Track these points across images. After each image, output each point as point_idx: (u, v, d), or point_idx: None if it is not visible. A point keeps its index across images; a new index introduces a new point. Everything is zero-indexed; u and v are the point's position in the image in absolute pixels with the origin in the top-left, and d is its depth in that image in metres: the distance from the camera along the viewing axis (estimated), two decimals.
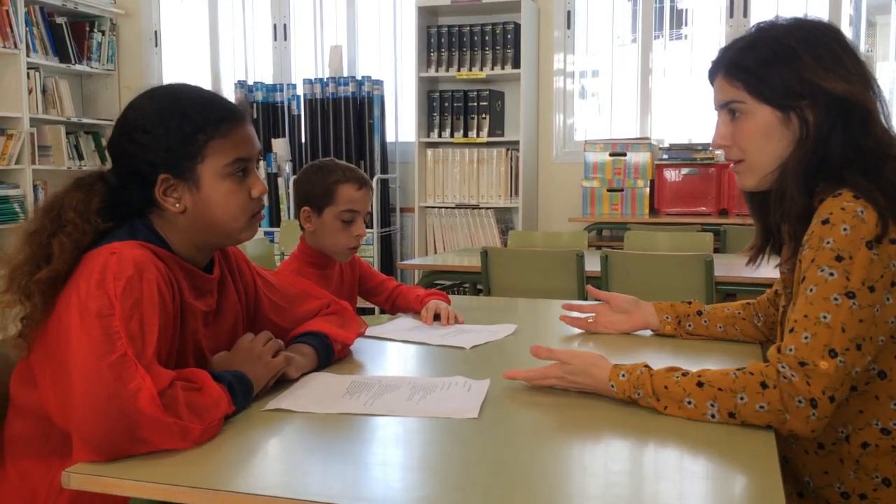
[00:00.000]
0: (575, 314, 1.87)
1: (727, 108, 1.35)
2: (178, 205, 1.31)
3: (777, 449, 1.12)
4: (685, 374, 1.24)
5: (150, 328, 1.17)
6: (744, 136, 1.34)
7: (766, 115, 1.31)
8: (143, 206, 1.33)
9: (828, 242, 1.20)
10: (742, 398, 1.17)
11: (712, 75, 1.38)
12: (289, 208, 5.16)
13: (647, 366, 1.28)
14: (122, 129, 1.32)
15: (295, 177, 2.27)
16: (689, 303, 1.79)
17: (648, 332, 1.82)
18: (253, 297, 1.54)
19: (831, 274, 1.19)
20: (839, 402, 1.17)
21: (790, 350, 1.18)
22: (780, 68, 1.29)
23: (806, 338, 1.18)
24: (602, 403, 1.29)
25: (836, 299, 1.18)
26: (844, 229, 1.20)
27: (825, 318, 1.18)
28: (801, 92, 1.27)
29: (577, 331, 1.87)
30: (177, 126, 1.29)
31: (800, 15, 1.36)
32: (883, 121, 1.29)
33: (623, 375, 1.27)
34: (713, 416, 1.19)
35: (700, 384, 1.21)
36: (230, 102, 1.37)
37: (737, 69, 1.33)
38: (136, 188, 1.31)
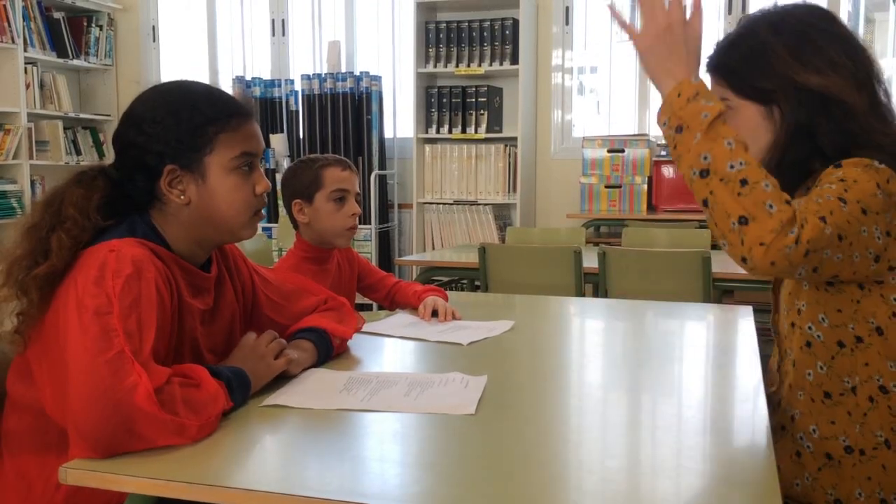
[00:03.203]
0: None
1: None
2: (182, 197, 1.32)
3: (777, 414, 1.09)
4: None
5: (148, 326, 1.17)
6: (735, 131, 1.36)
7: (750, 110, 1.33)
8: (144, 201, 1.33)
9: (836, 175, 1.21)
10: (767, 186, 1.12)
11: (707, 73, 1.39)
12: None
13: None
14: (130, 121, 1.33)
15: (281, 178, 2.29)
16: None
17: None
18: (250, 295, 1.54)
19: (829, 186, 1.19)
20: (806, 264, 1.13)
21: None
22: (756, 64, 1.30)
23: (801, 203, 1.17)
24: (599, 400, 1.29)
25: (828, 197, 1.17)
26: (856, 168, 1.20)
27: (818, 200, 1.17)
28: (777, 87, 1.29)
29: (579, 330, 1.86)
30: (188, 117, 1.30)
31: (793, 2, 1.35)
32: (876, 108, 1.28)
33: (698, 79, 1.21)
34: (732, 167, 1.13)
35: (746, 148, 1.16)
36: (238, 99, 1.38)
37: (720, 68, 1.35)
38: (141, 180, 1.31)
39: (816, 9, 1.34)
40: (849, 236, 1.17)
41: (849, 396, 1.29)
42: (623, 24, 1.28)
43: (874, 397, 1.27)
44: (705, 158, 1.14)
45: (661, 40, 1.22)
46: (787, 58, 1.28)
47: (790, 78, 1.28)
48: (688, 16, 1.23)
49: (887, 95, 1.32)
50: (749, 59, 1.32)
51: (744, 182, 1.12)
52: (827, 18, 1.32)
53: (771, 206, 1.11)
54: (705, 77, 1.32)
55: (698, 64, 1.24)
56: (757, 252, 1.11)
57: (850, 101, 1.26)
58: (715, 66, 1.37)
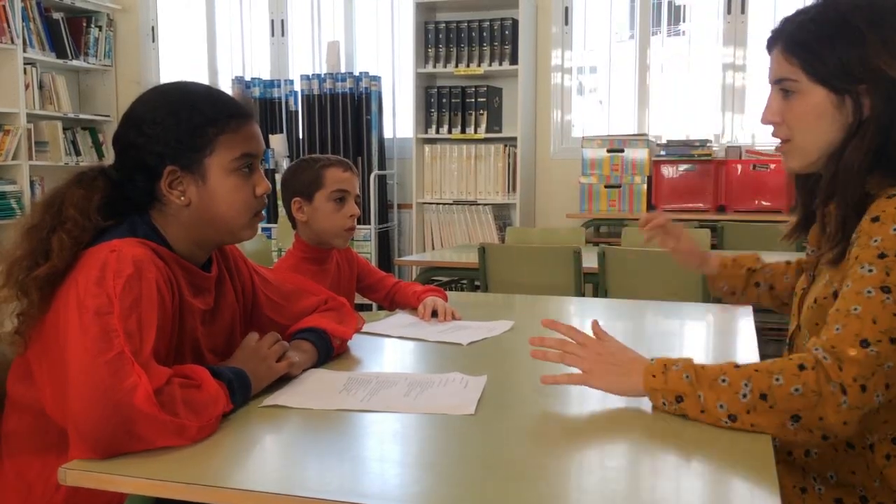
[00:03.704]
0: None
1: (780, 85, 1.28)
2: (182, 198, 1.32)
3: (784, 444, 1.09)
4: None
5: (149, 327, 1.17)
6: (794, 115, 1.27)
7: (819, 96, 1.23)
8: (144, 201, 1.33)
9: (875, 241, 1.16)
10: (778, 379, 1.12)
11: (770, 47, 1.30)
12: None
13: None
14: (131, 122, 1.33)
15: (281, 177, 2.29)
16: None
17: None
18: (251, 295, 1.54)
19: (870, 270, 1.14)
20: (873, 393, 1.10)
21: (824, 339, 1.14)
22: (841, 48, 1.20)
23: (837, 329, 1.13)
24: (599, 400, 1.29)
25: (869, 292, 1.13)
26: (895, 229, 1.15)
27: (856, 310, 1.13)
28: (861, 76, 1.20)
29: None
30: (187, 118, 1.30)
31: None
32: None
33: (663, 356, 1.24)
34: (745, 395, 1.13)
35: (737, 366, 1.17)
36: (238, 100, 1.38)
37: (795, 44, 1.25)
38: (142, 181, 1.31)
39: None
40: None
41: (866, 452, 1.25)
42: (571, 383, 1.31)
43: (890, 454, 1.24)
44: (722, 407, 1.15)
45: (602, 368, 1.26)
46: (880, 47, 1.18)
47: (881, 69, 1.17)
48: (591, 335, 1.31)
49: None
50: (834, 40, 1.20)
51: (764, 396, 1.13)
52: None
53: (797, 390, 1.11)
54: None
55: (628, 349, 1.29)
56: (828, 428, 1.11)
57: None
58: (789, 40, 1.25)
